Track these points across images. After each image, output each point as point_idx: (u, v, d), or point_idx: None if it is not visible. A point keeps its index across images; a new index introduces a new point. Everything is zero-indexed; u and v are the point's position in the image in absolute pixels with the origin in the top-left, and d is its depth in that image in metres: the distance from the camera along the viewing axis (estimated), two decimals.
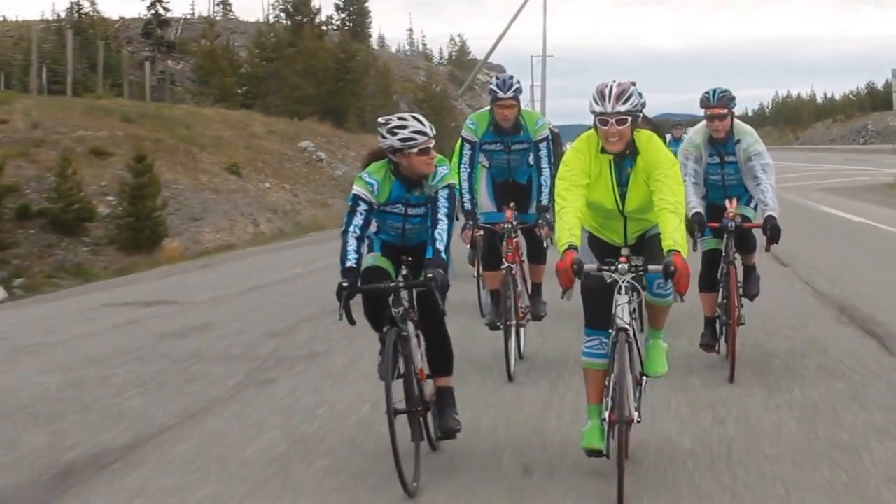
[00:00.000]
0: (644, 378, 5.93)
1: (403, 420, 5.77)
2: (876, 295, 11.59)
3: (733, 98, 8.01)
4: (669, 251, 5.26)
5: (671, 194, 5.41)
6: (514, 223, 8.40)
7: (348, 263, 5.75)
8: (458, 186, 5.53)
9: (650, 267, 5.41)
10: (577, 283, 5.35)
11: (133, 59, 52.51)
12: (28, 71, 43.75)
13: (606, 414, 5.47)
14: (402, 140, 5.80)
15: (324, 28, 56.19)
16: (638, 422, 5.49)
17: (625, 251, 5.60)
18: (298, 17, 53.47)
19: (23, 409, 7.88)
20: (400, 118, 5.89)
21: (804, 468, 5.82)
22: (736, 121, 8.11)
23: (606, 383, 5.55)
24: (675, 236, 5.30)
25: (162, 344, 10.34)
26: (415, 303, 6.03)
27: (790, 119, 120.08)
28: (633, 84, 5.55)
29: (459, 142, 8.68)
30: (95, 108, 32.14)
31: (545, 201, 8.38)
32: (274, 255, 20.46)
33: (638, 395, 5.74)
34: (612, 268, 5.40)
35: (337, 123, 45.16)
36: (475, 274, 11.32)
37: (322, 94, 48.08)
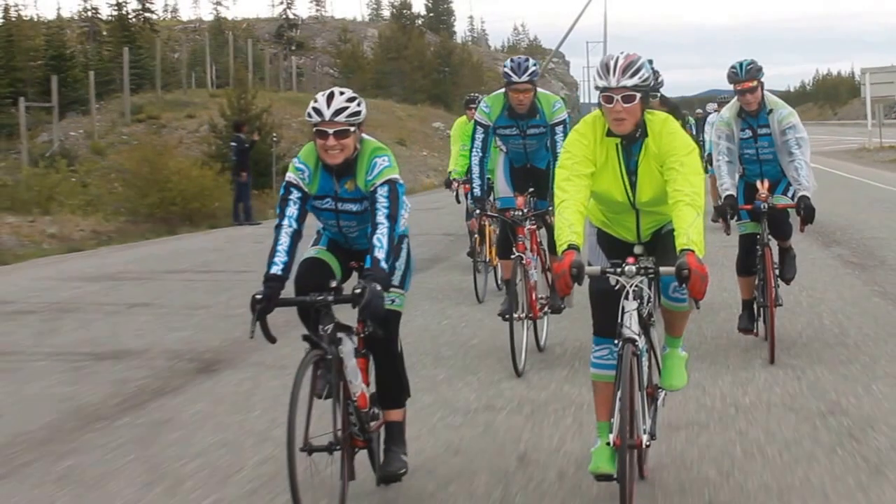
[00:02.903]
0: (662, 391, 5.25)
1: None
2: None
3: (761, 69, 7.78)
4: (682, 250, 4.52)
5: (687, 185, 4.67)
6: (526, 210, 8.00)
7: (272, 269, 4.77)
8: (394, 178, 4.98)
9: (662, 269, 4.66)
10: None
11: (263, 55, 64.19)
12: (192, 68, 55.84)
13: (611, 437, 4.63)
14: (307, 115, 4.85)
15: (423, 28, 68.14)
16: (647, 446, 4.85)
17: (637, 249, 5.01)
18: (402, 20, 65.82)
19: None
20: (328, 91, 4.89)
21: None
22: (767, 92, 7.92)
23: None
24: (689, 233, 4.55)
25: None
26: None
27: (829, 96, 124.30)
28: (650, 61, 5.04)
29: (473, 125, 8.38)
30: (291, 99, 44.17)
31: None
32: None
33: (653, 411, 5.04)
34: (618, 270, 4.66)
35: (445, 108, 56.70)
36: (475, 259, 11.45)
37: (428, 84, 59.58)
